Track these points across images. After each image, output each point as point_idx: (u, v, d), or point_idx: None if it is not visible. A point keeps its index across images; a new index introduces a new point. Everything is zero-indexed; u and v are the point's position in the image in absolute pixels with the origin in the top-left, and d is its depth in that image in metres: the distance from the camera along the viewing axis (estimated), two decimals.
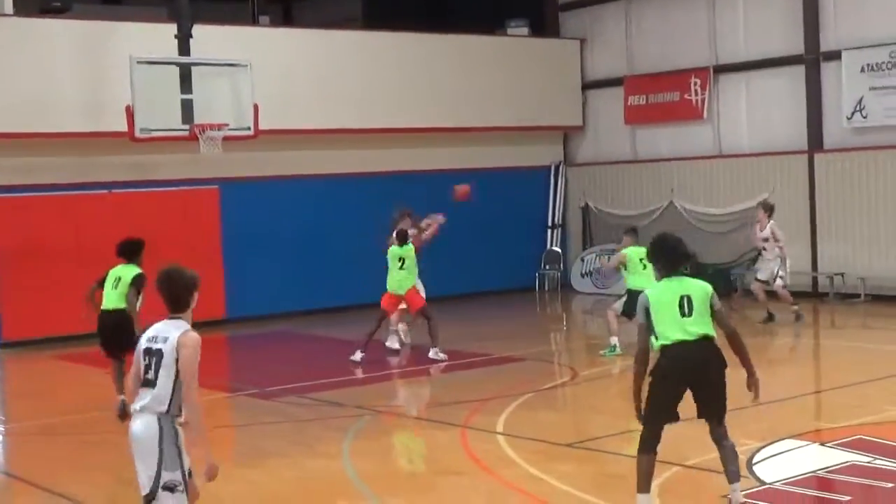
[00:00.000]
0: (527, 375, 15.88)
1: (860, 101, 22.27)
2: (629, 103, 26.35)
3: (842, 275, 21.86)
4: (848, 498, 8.97)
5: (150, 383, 6.74)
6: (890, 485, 9.10)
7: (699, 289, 8.32)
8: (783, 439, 10.74)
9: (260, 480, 10.34)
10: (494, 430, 11.94)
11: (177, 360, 6.66)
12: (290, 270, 22.75)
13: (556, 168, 27.50)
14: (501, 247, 25.54)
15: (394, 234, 17.14)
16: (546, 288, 26.61)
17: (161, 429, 6.66)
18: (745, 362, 8.36)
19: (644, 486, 8.34)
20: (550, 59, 26.91)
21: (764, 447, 10.30)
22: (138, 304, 12.93)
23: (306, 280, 22.96)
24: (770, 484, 9.25)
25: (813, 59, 23.07)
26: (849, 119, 22.53)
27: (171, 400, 6.70)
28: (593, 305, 24.97)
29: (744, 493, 8.79)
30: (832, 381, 14.78)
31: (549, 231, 27.28)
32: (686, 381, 8.21)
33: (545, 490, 9.52)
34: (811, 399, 13.85)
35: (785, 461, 10.06)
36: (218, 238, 21.89)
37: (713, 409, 8.29)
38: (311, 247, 23.14)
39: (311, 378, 15.87)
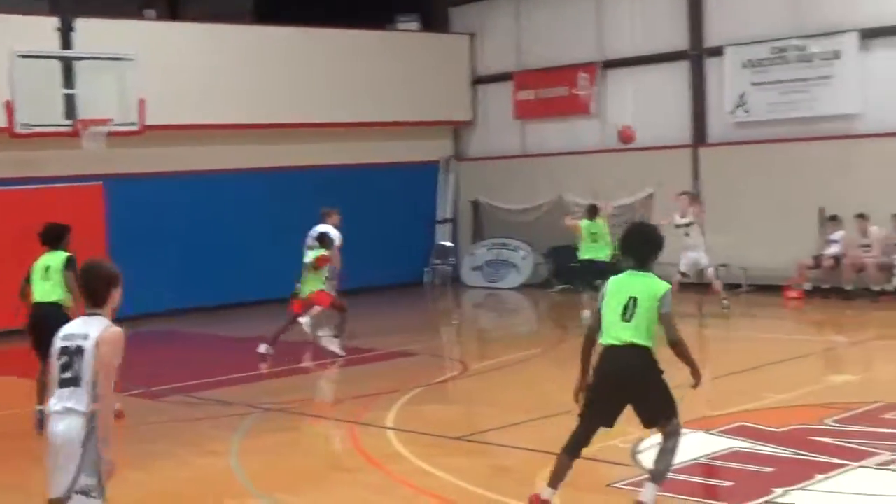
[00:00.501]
0: (417, 370, 15.92)
1: (742, 96, 22.75)
2: (518, 98, 26.56)
3: (725, 265, 22.27)
4: (730, 483, 9.17)
5: (71, 382, 6.47)
6: (770, 469, 9.32)
7: (649, 291, 8.00)
8: None
9: (147, 481, 10.20)
10: (384, 426, 11.95)
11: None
12: (177, 268, 22.49)
13: (447, 163, 27.61)
14: (391, 242, 25.54)
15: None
16: (437, 283, 26.69)
17: (86, 431, 6.41)
18: (689, 365, 8.17)
19: (552, 481, 8.28)
20: (440, 54, 27.01)
21: (649, 436, 10.44)
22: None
23: (194, 278, 22.73)
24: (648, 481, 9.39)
25: (697, 54, 23.52)
26: (731, 114, 22.99)
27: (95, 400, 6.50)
28: (485, 299, 25.15)
29: (628, 481, 8.95)
30: (716, 370, 15.01)
31: (440, 226, 27.38)
32: (613, 388, 8.05)
33: (435, 484, 9.55)
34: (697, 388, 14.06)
35: None
36: (103, 236, 21.47)
37: (647, 418, 8.21)
38: (199, 244, 22.92)
39: (199, 377, 15.72)
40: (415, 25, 27.10)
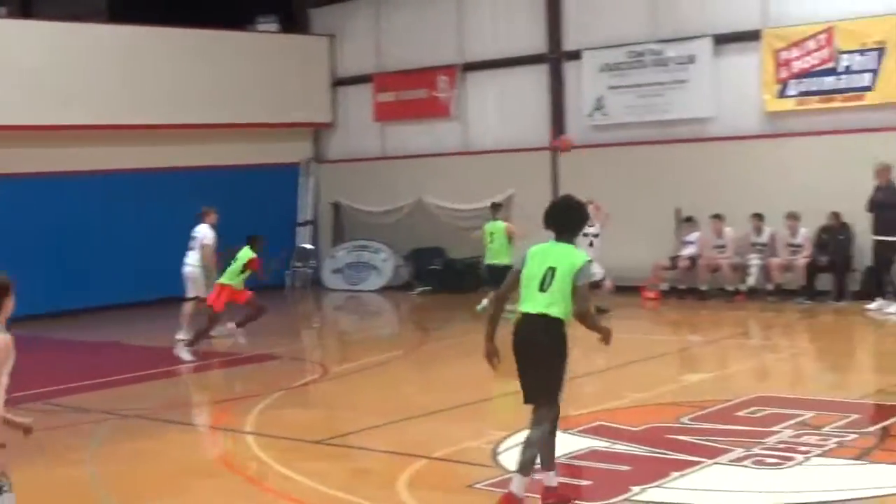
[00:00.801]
0: (278, 374, 15.78)
1: (600, 100, 23.08)
2: (378, 100, 26.55)
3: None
4: (588, 482, 9.26)
5: None
6: (627, 467, 9.44)
7: (567, 262, 8.06)
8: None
9: None
10: (244, 431, 11.81)
11: None
12: (44, 271, 21.84)
13: (307, 165, 27.45)
14: None
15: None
16: (298, 285, 26.50)
17: None
18: (598, 331, 8.36)
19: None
20: (300, 55, 26.85)
21: (510, 436, 10.50)
22: None
23: (61, 281, 22.18)
24: (515, 472, 9.43)
25: (555, 58, 23.77)
26: (589, 116, 23.31)
27: None
28: (346, 302, 25.06)
29: (490, 482, 8.98)
30: (576, 370, 15.18)
31: (301, 228, 27.21)
32: (522, 356, 8.12)
33: (295, 488, 9.45)
34: None
35: None
36: None
37: (529, 391, 8.17)
38: (65, 247, 22.42)
39: (58, 383, 15.31)
40: (274, 27, 26.90)
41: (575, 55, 23.51)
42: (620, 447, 10.07)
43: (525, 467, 8.15)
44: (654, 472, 9.15)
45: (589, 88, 23.30)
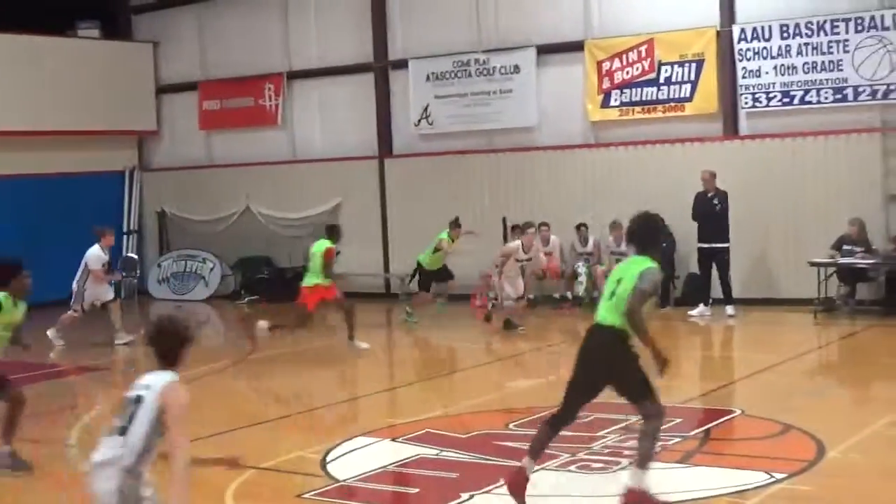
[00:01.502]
0: (101, 386, 15.38)
1: (426, 109, 23.16)
2: (204, 108, 26.15)
3: (412, 276, 22.57)
4: (416, 490, 9.23)
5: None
6: (456, 475, 9.44)
7: (633, 270, 8.20)
8: (356, 437, 10.90)
9: None
10: (68, 444, 11.41)
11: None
12: None
13: (131, 173, 26.87)
14: (76, 254, 24.57)
15: None
16: (122, 295, 25.86)
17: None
18: (641, 341, 8.22)
19: (533, 452, 8.46)
20: (123, 62, 26.25)
21: (338, 445, 10.41)
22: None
23: None
24: (343, 481, 9.36)
25: (382, 67, 23.76)
26: (416, 125, 23.37)
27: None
28: (172, 311, 24.51)
29: (318, 491, 8.88)
30: (403, 378, 15.24)
31: (125, 237, 26.59)
32: (580, 364, 8.37)
33: None
34: (384, 396, 14.14)
35: (358, 458, 10.20)
36: None
37: (622, 393, 8.38)
38: None
39: None
40: (96, 32, 26.24)
41: (401, 64, 23.55)
42: (449, 454, 10.07)
43: (642, 461, 8.26)
44: (482, 478, 9.16)
45: (415, 97, 23.37)
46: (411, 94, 23.42)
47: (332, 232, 17.20)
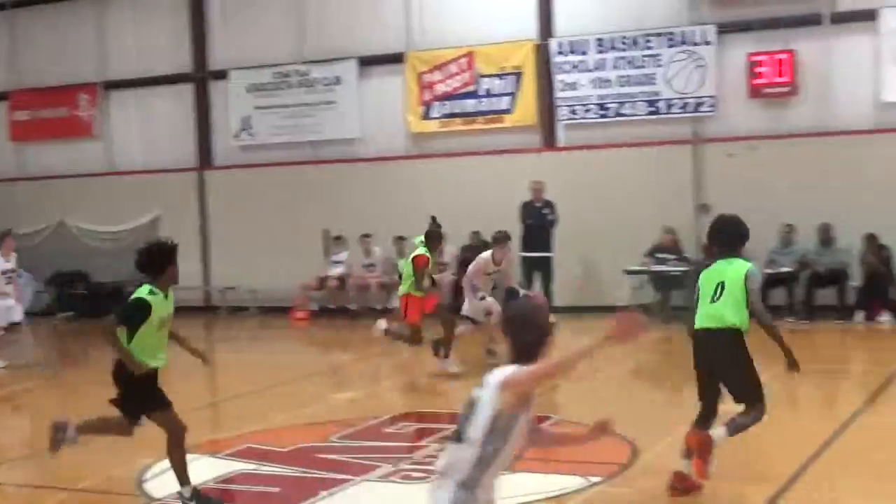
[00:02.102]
0: None
1: (247, 120, 22.96)
2: (14, 118, 25.39)
3: (233, 288, 22.35)
4: None
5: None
6: (276, 489, 9.35)
7: (732, 274, 8.49)
8: None
9: None
10: None
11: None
12: None
13: None
14: None
15: None
16: None
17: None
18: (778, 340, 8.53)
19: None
20: None
21: (155, 463, 10.19)
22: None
23: None
24: (160, 500, 9.18)
25: (201, 77, 23.46)
26: (236, 137, 23.14)
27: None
28: None
29: None
30: (222, 393, 15.03)
31: None
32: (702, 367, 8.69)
33: None
34: (204, 411, 13.92)
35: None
36: None
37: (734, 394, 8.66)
38: None
39: None
40: None
41: (221, 75, 23.30)
42: (269, 469, 9.96)
43: (734, 428, 8.57)
44: (302, 492, 9.10)
45: (235, 108, 23.14)
46: (231, 105, 23.18)
47: (430, 239, 15.51)
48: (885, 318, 17.89)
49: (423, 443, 10.65)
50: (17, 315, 16.91)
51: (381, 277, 21.24)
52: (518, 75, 21.04)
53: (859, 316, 17.99)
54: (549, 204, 19.53)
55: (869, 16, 18.85)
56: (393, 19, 21.94)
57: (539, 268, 19.49)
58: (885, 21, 18.73)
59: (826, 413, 12.34)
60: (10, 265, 16.80)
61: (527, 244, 19.56)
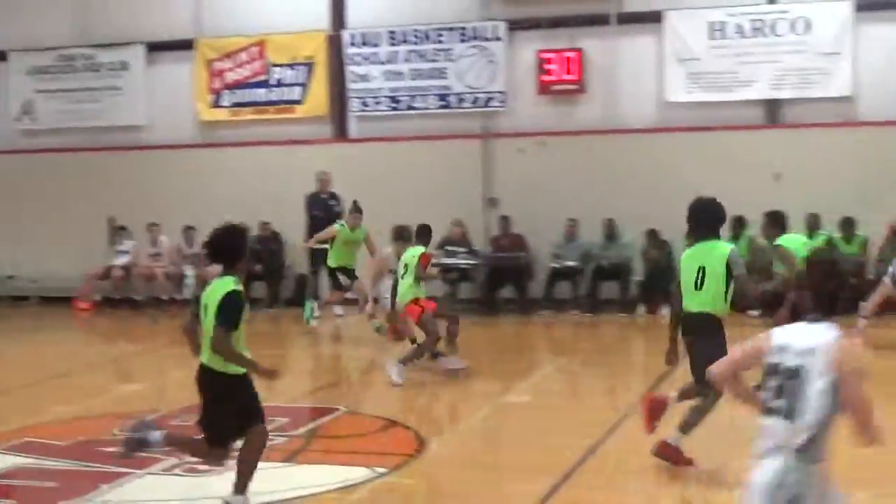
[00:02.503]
0: None
1: (29, 104, 22.23)
2: None
3: (12, 277, 21.65)
4: (13, 502, 8.82)
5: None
6: (54, 484, 9.08)
7: (712, 258, 8.73)
8: None
9: None
10: None
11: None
12: None
13: None
14: None
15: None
16: None
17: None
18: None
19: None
20: None
21: None
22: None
23: None
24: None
25: None
26: (17, 121, 22.38)
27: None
28: None
29: None
30: (0, 384, 14.52)
31: None
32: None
33: None
34: None
35: None
36: None
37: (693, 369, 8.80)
38: None
39: None
40: None
41: (1, 56, 22.48)
42: (48, 463, 9.67)
43: (686, 428, 8.73)
44: (82, 486, 8.85)
45: (16, 92, 22.37)
46: (11, 88, 22.41)
47: (423, 233, 14.18)
48: (665, 311, 18.48)
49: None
50: None
51: (168, 267, 20.86)
52: (310, 66, 20.96)
53: (641, 309, 18.54)
54: (335, 195, 19.49)
55: (654, 17, 19.46)
56: (183, 5, 21.57)
57: (324, 259, 19.41)
58: (669, 23, 19.36)
59: (609, 403, 12.68)
60: None
61: (313, 235, 19.45)
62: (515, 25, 20.11)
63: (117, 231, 21.54)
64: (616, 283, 19.01)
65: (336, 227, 17.16)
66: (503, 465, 9.88)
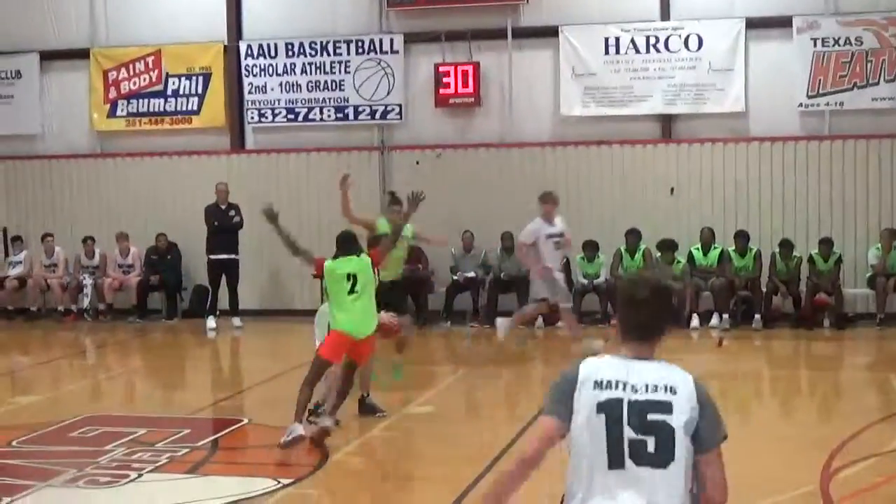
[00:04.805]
0: None
1: None
2: None
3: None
4: None
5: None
6: None
7: None
8: None
9: None
10: None
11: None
12: None
13: None
14: None
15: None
16: None
17: None
18: None
19: None
20: None
21: None
22: None
23: None
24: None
25: None
26: None
27: None
28: None
29: None
30: None
31: None
32: None
33: None
34: None
35: None
36: None
37: None
38: None
39: None
40: None
41: None
42: None
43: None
44: None
45: None
46: None
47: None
48: (561, 323, 18.72)
49: (109, 447, 10.43)
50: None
51: (63, 278, 20.60)
52: (207, 76, 20.87)
53: (539, 321, 18.73)
54: (234, 206, 19.45)
55: (550, 32, 19.70)
56: (77, 14, 21.28)
57: (225, 271, 19.38)
58: (564, 38, 19.63)
59: (508, 415, 12.84)
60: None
61: (212, 247, 19.41)
62: (413, 38, 20.23)
63: (12, 241, 21.21)
64: (513, 295, 19.16)
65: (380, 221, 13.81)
66: (405, 475, 9.99)
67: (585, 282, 18.96)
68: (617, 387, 4.24)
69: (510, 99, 19.93)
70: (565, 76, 19.71)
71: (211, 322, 19.14)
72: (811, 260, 18.14)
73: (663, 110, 19.44)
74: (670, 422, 4.19)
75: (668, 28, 19.40)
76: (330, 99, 20.56)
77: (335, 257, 10.60)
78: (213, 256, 19.39)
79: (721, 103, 19.14)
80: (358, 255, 10.70)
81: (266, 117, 20.71)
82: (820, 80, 18.81)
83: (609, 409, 4.21)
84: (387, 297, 11.80)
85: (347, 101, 20.49)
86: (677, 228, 18.96)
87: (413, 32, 20.24)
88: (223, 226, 19.25)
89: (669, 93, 19.33)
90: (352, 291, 10.46)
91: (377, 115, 20.39)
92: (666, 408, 4.20)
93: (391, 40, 20.28)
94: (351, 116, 20.49)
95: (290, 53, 20.60)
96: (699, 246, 18.63)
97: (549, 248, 15.39)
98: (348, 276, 10.48)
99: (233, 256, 19.38)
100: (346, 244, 10.72)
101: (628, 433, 4.19)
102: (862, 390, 13.89)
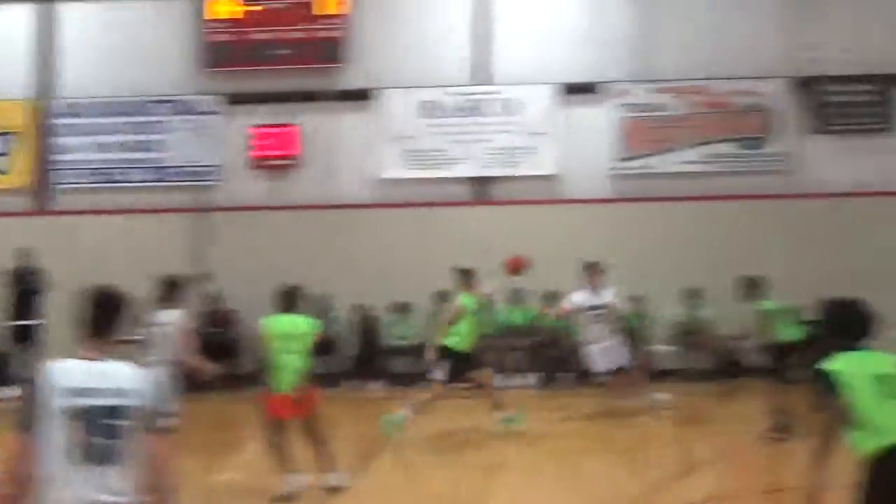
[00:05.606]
0: None
1: None
2: None
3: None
4: None
5: None
6: None
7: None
8: None
9: None
10: None
11: None
12: None
13: None
14: None
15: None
16: None
17: None
18: None
19: None
20: None
21: None
22: None
23: None
24: None
25: None
26: None
27: None
28: None
29: None
30: None
31: None
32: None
33: None
34: None
35: None
36: None
37: None
38: None
39: None
40: None
41: None
42: None
43: None
44: None
45: None
46: None
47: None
48: (375, 385, 18.49)
49: None
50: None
51: None
52: (14, 135, 20.19)
53: (350, 384, 18.44)
54: (35, 271, 18.66)
55: (368, 95, 19.66)
56: None
57: (27, 336, 18.60)
58: (383, 102, 19.60)
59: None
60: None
61: (17, 312, 18.63)
62: (232, 99, 19.97)
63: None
64: (327, 358, 18.86)
65: (461, 301, 14.09)
66: None
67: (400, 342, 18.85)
68: None
69: (330, 160, 19.78)
70: (383, 138, 19.67)
71: (10, 392, 18.33)
72: None
73: (479, 172, 19.54)
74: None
75: (486, 92, 19.54)
76: (145, 160, 20.10)
77: None
78: (17, 322, 18.62)
79: (535, 166, 19.32)
80: None
81: (76, 178, 20.10)
82: (630, 145, 19.16)
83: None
84: None
85: (163, 162, 20.06)
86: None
87: (232, 93, 19.99)
88: (25, 289, 18.52)
89: (486, 155, 19.43)
90: None
91: (194, 177, 19.98)
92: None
93: (209, 101, 19.96)
94: (166, 177, 20.04)
95: (103, 113, 20.12)
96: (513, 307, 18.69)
97: (589, 319, 15.08)
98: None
99: (34, 321, 18.62)
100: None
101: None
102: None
